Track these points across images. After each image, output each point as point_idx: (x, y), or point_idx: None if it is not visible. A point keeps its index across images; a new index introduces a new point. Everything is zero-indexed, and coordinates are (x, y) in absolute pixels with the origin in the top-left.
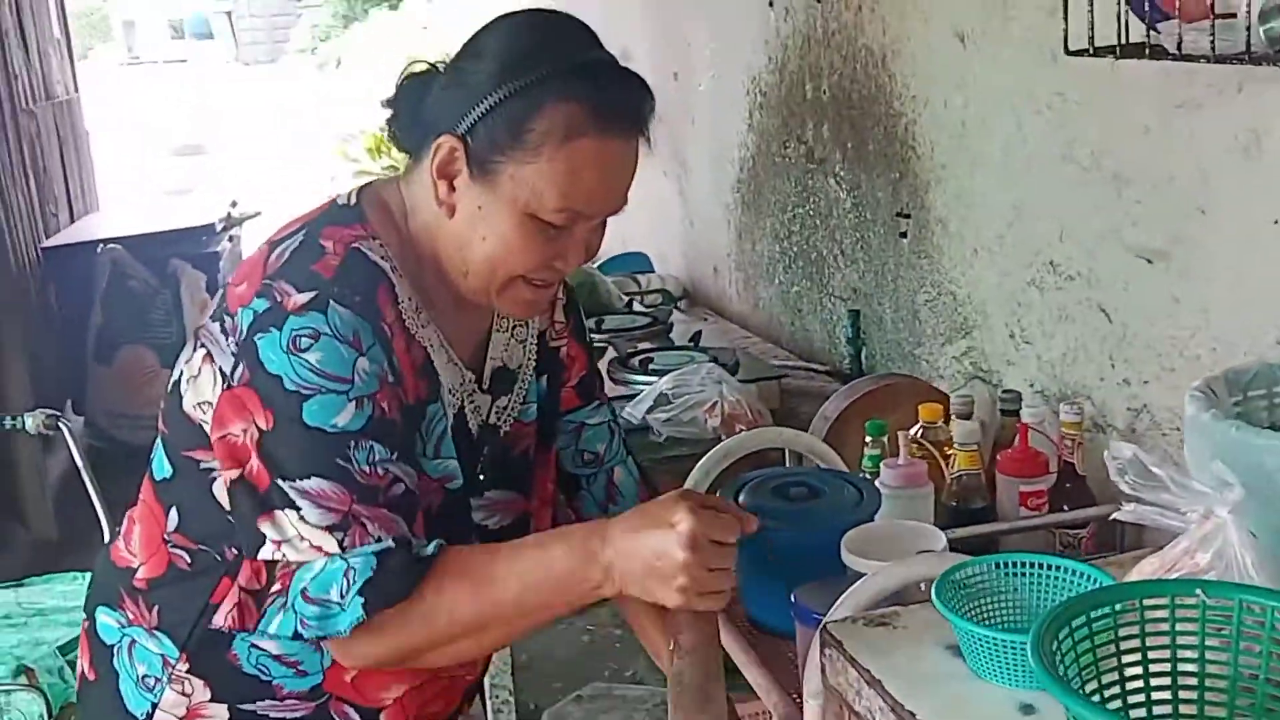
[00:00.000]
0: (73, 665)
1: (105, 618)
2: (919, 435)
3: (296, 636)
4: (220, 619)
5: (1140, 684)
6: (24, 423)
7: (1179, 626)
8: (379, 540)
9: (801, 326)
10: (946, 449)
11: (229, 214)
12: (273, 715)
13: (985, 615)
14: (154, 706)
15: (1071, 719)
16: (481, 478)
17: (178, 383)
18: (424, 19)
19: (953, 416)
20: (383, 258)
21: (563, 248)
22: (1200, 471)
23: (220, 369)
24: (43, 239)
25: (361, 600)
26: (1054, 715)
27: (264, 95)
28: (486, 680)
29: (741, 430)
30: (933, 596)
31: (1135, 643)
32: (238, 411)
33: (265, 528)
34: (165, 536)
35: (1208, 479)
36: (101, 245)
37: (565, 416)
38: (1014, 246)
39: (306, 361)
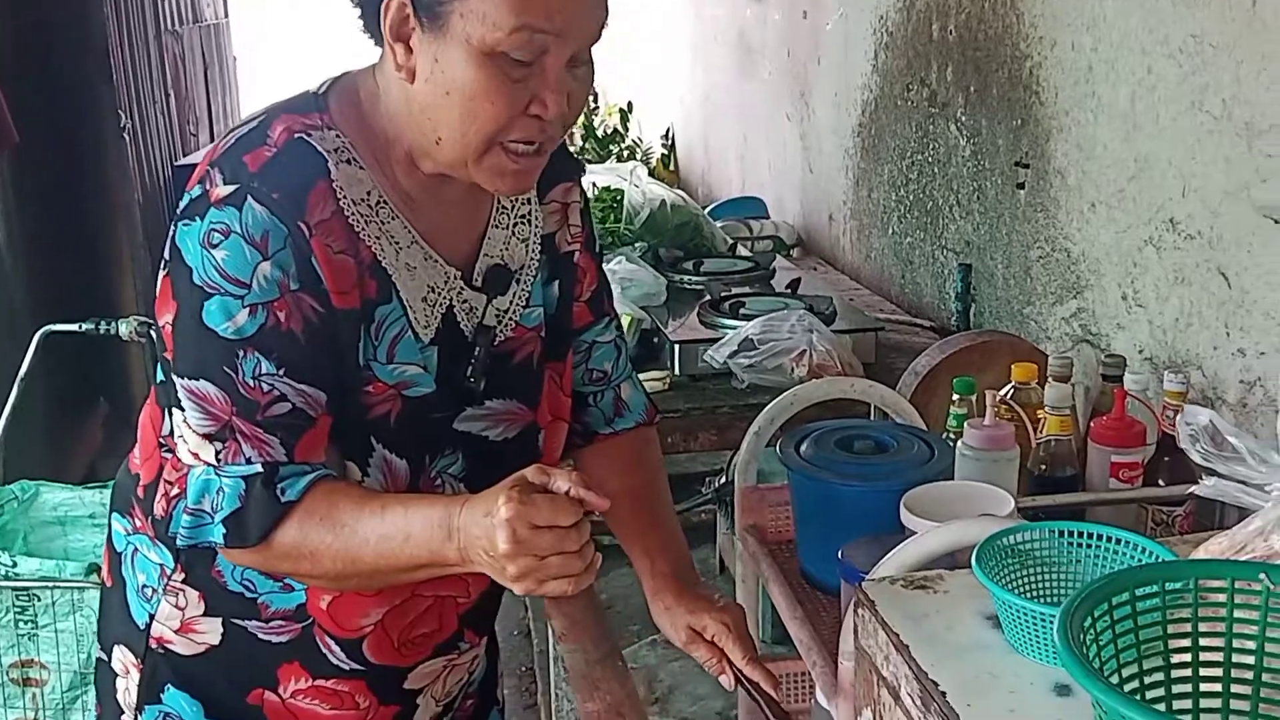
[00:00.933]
0: None
1: (117, 524)
2: (1009, 396)
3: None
4: (158, 510)
5: (1188, 673)
6: (118, 328)
7: (1237, 614)
8: (249, 462)
9: (912, 279)
10: (1038, 412)
11: None
12: (261, 636)
13: (1036, 587)
14: (151, 617)
15: (1096, 708)
16: (471, 381)
17: None
18: None
19: (1048, 378)
20: (337, 149)
21: (536, 88)
22: None
23: (164, 254)
24: (179, 158)
25: (223, 531)
26: (1088, 697)
27: None
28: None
29: None
30: (972, 561)
31: (1186, 627)
32: (163, 298)
33: (175, 423)
34: (160, 439)
35: None
36: None
37: (579, 335)
38: (1134, 202)
39: (214, 259)
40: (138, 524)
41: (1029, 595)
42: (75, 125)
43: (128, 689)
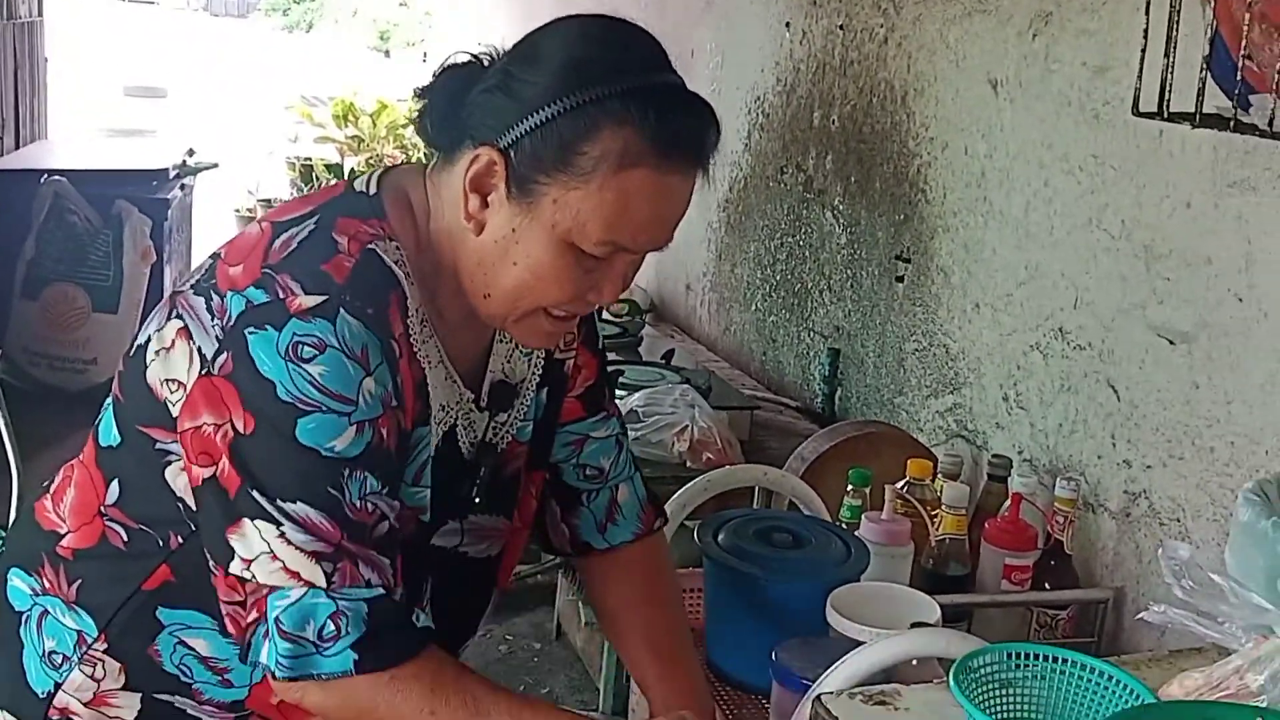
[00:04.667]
0: None
1: (17, 581)
2: (905, 491)
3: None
4: (231, 628)
5: None
6: None
7: None
8: (369, 585)
9: (774, 357)
10: (931, 509)
11: (184, 161)
12: (189, 713)
13: (995, 708)
14: (56, 686)
15: None
16: (477, 501)
17: (143, 348)
18: None
19: (940, 475)
20: (397, 262)
21: (598, 280)
22: (1250, 581)
23: (199, 350)
24: None
25: (354, 656)
26: None
27: (230, 48)
28: None
29: (708, 458)
30: (951, 684)
31: None
32: (213, 403)
33: (234, 540)
34: (101, 509)
35: (1265, 593)
36: (45, 175)
37: (566, 428)
38: (1022, 307)
39: (308, 373)
40: (47, 584)
41: (997, 718)
42: None
43: None
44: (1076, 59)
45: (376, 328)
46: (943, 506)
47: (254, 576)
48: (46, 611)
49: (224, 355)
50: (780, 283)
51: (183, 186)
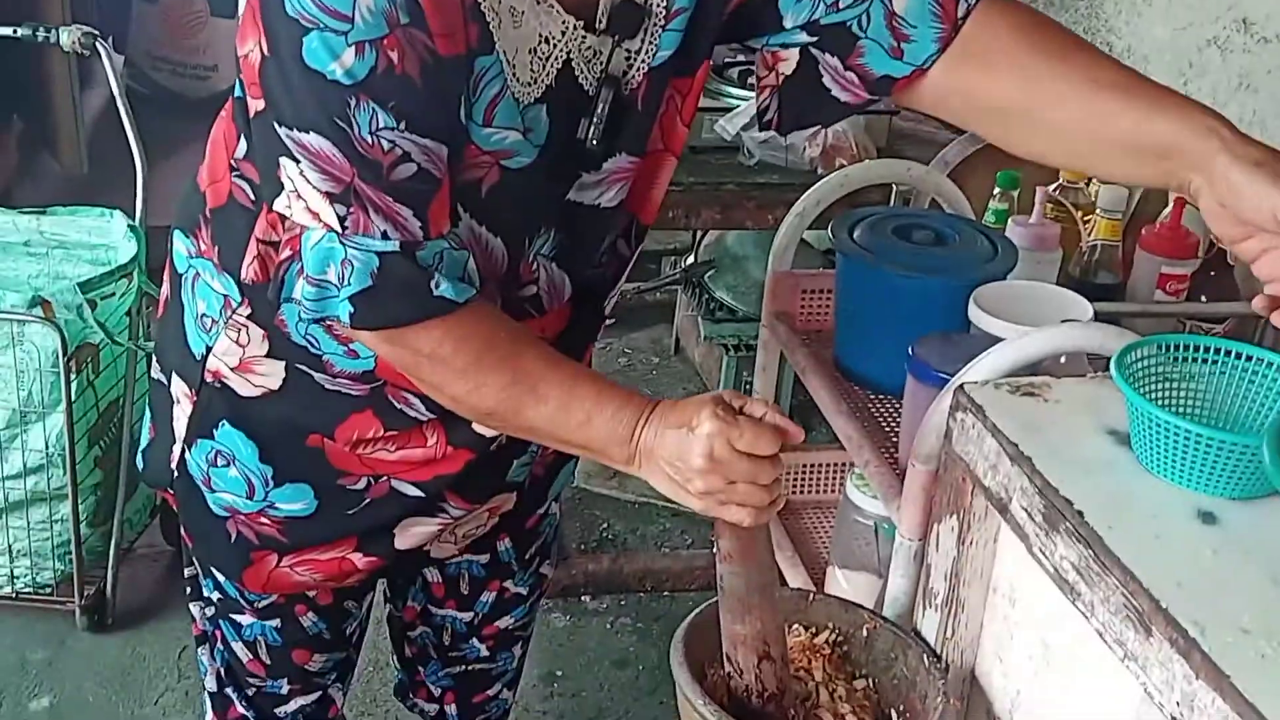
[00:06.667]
0: (92, 304)
1: (180, 244)
2: (1057, 193)
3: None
4: (244, 271)
5: None
6: (59, 36)
7: None
8: (384, 236)
9: None
10: (1084, 215)
11: None
12: (328, 387)
13: (1165, 404)
14: (208, 350)
15: None
16: (593, 143)
17: None
18: None
19: (1094, 178)
20: None
21: None
22: None
23: None
24: None
25: (349, 309)
26: (1238, 527)
27: None
28: None
29: (842, 165)
30: (1113, 371)
31: None
32: (248, 25)
33: (283, 175)
34: (232, 161)
35: None
36: None
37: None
38: None
39: None
40: (202, 247)
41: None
42: None
43: (179, 418)
44: None
45: None
46: (1097, 211)
47: (292, 214)
48: (198, 274)
49: None
50: None
51: None
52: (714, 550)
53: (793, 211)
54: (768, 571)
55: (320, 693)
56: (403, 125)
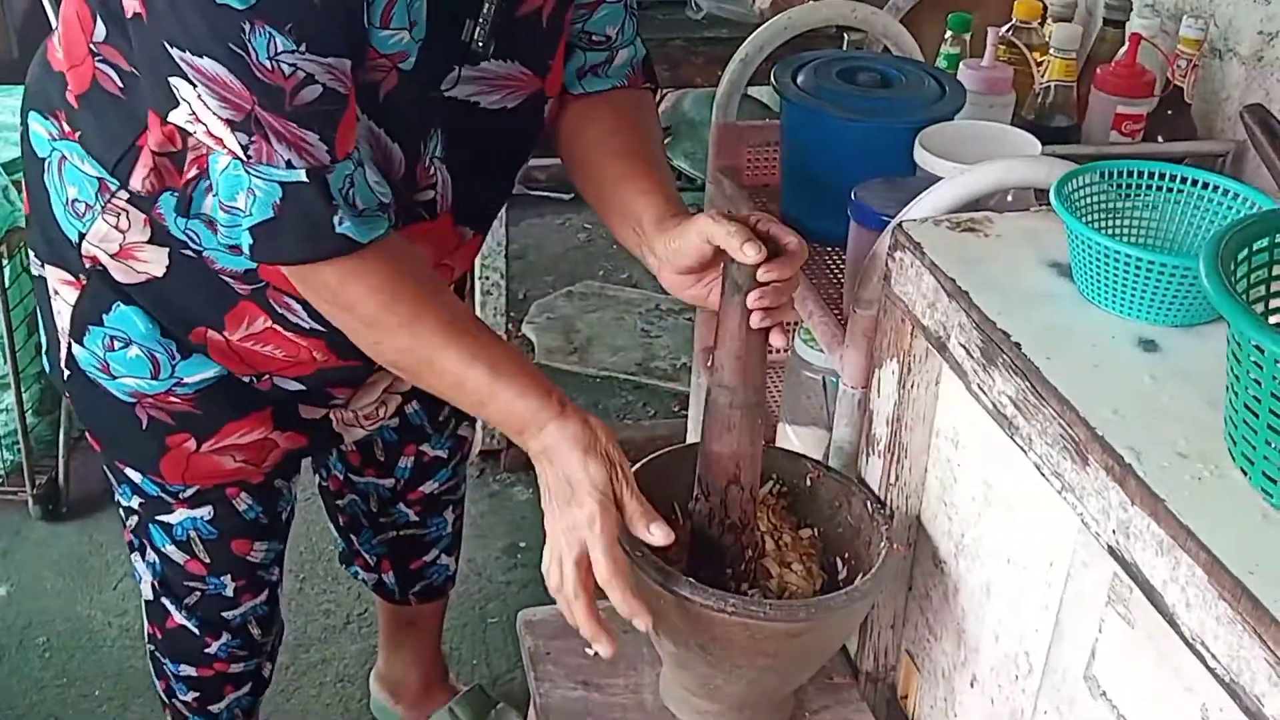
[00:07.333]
0: (18, 185)
1: (37, 125)
2: (1009, 34)
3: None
4: (136, 183)
5: None
6: None
7: None
8: (289, 165)
9: None
10: (1038, 55)
11: None
12: (215, 271)
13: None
14: (80, 236)
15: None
16: (479, 45)
17: None
18: None
19: (1049, 19)
20: None
21: None
22: None
23: None
24: None
25: (249, 240)
26: (1178, 355)
27: None
28: (477, 261)
29: None
30: (1052, 198)
31: None
32: None
33: (177, 94)
34: (92, 46)
35: None
36: None
37: None
38: None
39: None
40: (66, 129)
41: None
42: None
43: (62, 312)
44: None
45: None
46: (1051, 51)
47: (195, 134)
48: (65, 157)
49: None
50: None
51: None
52: (708, 362)
53: (735, 58)
54: (754, 394)
55: (268, 590)
56: (303, 47)
